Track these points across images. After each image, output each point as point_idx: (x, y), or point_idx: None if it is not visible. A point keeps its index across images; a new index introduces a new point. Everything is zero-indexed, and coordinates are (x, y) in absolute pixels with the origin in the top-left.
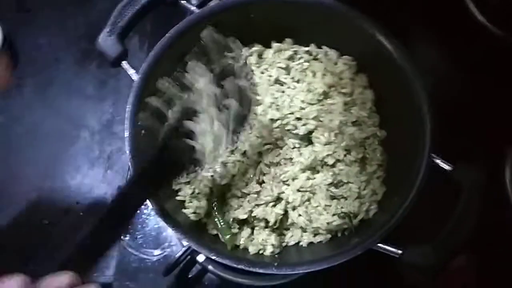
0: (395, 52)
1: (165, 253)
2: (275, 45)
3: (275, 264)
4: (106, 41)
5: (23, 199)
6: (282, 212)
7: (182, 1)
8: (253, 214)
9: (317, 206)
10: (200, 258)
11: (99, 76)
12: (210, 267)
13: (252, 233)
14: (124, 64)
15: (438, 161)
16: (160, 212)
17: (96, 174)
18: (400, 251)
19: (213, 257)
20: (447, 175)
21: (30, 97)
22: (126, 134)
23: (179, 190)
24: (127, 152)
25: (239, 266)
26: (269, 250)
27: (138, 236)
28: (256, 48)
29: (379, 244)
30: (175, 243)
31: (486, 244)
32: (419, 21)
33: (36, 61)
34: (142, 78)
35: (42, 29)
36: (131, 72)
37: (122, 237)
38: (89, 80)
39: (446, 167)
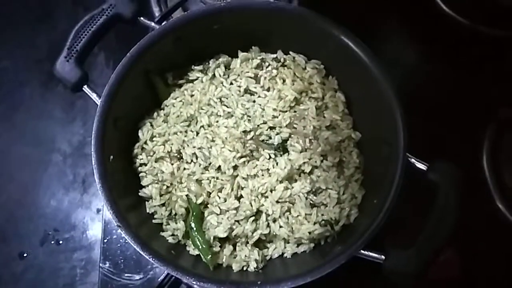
0: (361, 53)
1: (148, 276)
2: (241, 54)
3: (258, 283)
4: (64, 66)
5: None
6: (266, 232)
7: (141, 18)
8: (233, 233)
9: (297, 216)
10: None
11: (66, 98)
12: (195, 286)
13: (235, 249)
14: (86, 88)
15: (413, 160)
16: (134, 240)
17: (72, 199)
18: (383, 257)
19: (194, 282)
20: (423, 173)
21: None
22: (94, 162)
23: (154, 213)
24: (96, 180)
25: None
26: (253, 266)
27: (119, 261)
28: (223, 58)
29: (362, 251)
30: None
31: (470, 237)
32: (385, 15)
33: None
34: (104, 103)
35: (3, 53)
36: (94, 96)
37: (101, 264)
38: (56, 102)
39: (422, 166)
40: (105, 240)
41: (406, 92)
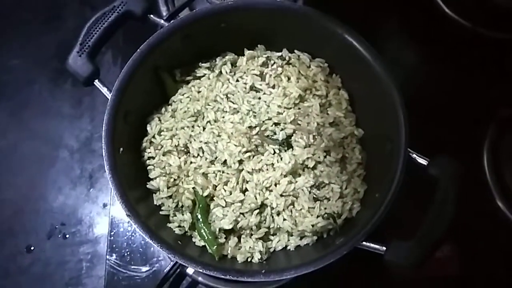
0: (365, 52)
1: (154, 269)
2: (248, 52)
3: (263, 271)
4: (77, 61)
5: (5, 225)
6: (271, 225)
7: (151, 16)
8: (238, 225)
9: (301, 209)
10: (190, 270)
11: (74, 95)
12: (200, 278)
13: (239, 241)
14: (97, 82)
15: (414, 155)
16: (143, 229)
17: (79, 194)
18: (384, 248)
19: (200, 270)
20: (424, 168)
21: (5, 120)
22: (104, 153)
23: (161, 205)
24: (106, 171)
25: (227, 277)
26: (257, 257)
27: (126, 254)
28: (229, 56)
29: (364, 242)
30: (163, 257)
31: (470, 236)
32: (387, 15)
33: (9, 84)
34: (115, 97)
35: (12, 51)
36: (104, 90)
37: (108, 256)
38: (64, 99)
39: (422, 161)
40: (112, 233)
41: (407, 92)
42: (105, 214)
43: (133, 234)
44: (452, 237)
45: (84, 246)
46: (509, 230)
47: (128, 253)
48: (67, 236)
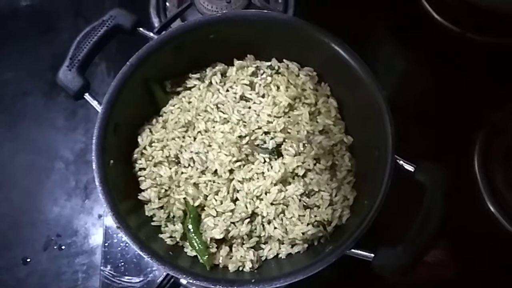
0: (351, 61)
1: (148, 279)
2: (237, 62)
3: (253, 280)
4: (67, 75)
5: (0, 237)
6: (262, 234)
7: (140, 29)
8: (230, 234)
9: (291, 217)
10: (183, 280)
11: (68, 106)
12: None
13: (231, 250)
14: (87, 96)
15: (401, 162)
16: (134, 241)
17: (74, 205)
18: (372, 255)
19: (190, 281)
20: (411, 175)
21: (0, 133)
22: (94, 166)
23: (153, 216)
24: (97, 184)
25: (217, 287)
26: (248, 266)
27: (120, 264)
28: (219, 67)
29: (352, 250)
30: (157, 268)
31: (462, 240)
32: (377, 23)
33: (3, 97)
34: (105, 110)
35: (7, 64)
36: (95, 103)
37: (102, 267)
38: (58, 111)
39: (410, 167)
40: (106, 244)
41: (397, 98)
42: (100, 225)
43: (127, 244)
44: (444, 242)
45: (79, 257)
46: (501, 233)
47: (122, 263)
48: (63, 247)
